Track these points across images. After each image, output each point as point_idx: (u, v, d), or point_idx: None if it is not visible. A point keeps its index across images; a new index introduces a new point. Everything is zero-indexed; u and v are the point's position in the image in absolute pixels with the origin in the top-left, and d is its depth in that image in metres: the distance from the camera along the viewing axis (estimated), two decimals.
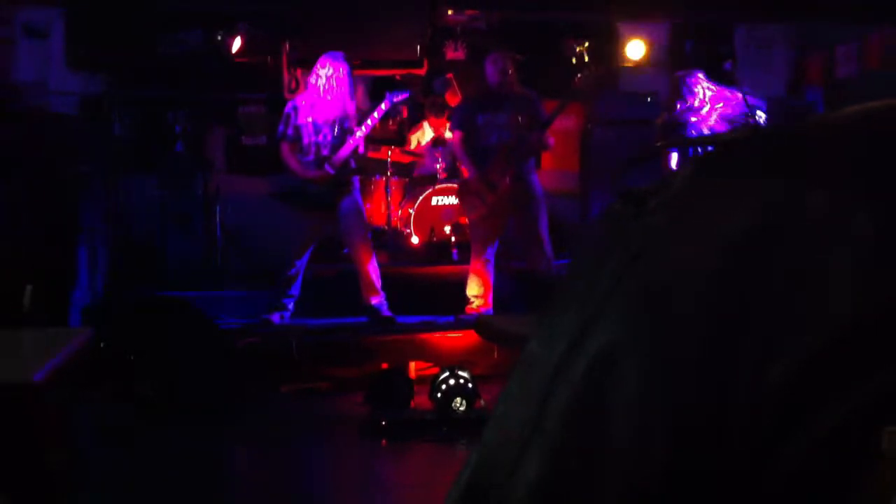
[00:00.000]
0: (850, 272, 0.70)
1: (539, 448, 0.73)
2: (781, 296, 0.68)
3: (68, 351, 2.46)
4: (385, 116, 7.39)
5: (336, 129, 7.08)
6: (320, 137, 7.09)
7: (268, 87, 9.24)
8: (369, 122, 7.05)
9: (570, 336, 0.76)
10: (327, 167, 7.03)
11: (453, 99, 9.50)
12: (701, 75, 7.36)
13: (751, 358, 0.70)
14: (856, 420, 0.66)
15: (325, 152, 7.07)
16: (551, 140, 7.37)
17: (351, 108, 7.15)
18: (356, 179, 7.31)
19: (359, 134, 7.03)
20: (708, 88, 7.30)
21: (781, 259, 0.67)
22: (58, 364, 2.28)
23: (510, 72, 7.31)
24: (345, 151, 7.03)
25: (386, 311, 7.21)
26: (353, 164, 7.20)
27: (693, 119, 7.27)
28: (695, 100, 7.25)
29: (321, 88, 7.06)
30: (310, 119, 7.09)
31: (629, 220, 0.79)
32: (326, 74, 7.05)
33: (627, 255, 0.75)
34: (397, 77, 9.43)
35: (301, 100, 7.22)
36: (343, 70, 7.06)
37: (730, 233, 0.79)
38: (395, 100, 7.19)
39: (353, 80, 7.30)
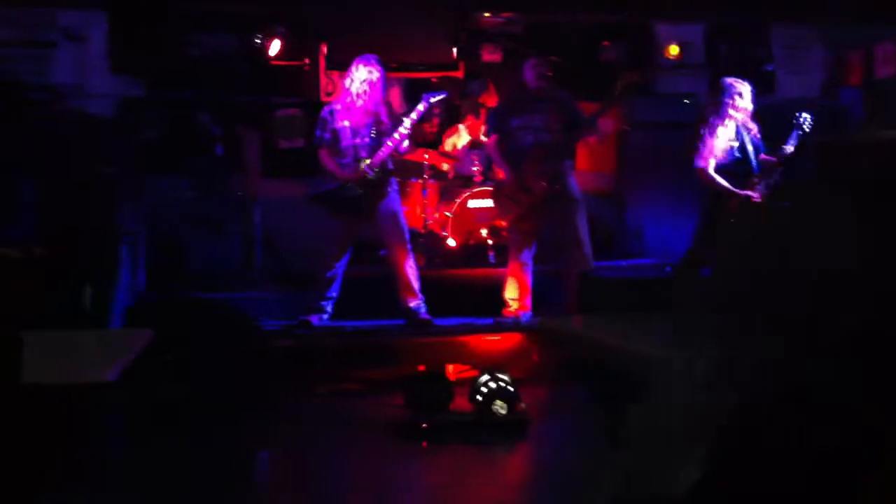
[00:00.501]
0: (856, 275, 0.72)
1: (704, 445, 0.75)
2: (795, 298, 0.70)
3: (135, 351, 2.49)
4: (422, 118, 7.36)
5: (373, 132, 7.08)
6: (358, 140, 7.10)
7: (303, 90, 9.28)
8: (408, 123, 7.03)
9: (719, 345, 0.77)
10: (366, 169, 7.03)
11: (490, 101, 9.51)
12: (746, 89, 7.25)
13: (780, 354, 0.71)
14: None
15: (363, 154, 7.07)
16: (595, 136, 7.35)
17: (386, 111, 7.15)
18: (395, 181, 7.31)
19: (397, 136, 7.01)
20: (741, 107, 7.22)
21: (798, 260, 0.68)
22: (127, 364, 2.31)
23: (548, 75, 7.31)
24: (383, 153, 7.03)
25: (424, 314, 7.21)
26: (390, 165, 7.20)
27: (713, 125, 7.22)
28: (727, 109, 7.19)
29: (355, 92, 7.06)
30: (346, 122, 7.10)
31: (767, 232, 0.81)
32: (360, 77, 7.05)
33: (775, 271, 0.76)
34: (433, 80, 9.45)
35: (337, 103, 7.22)
36: (376, 72, 7.06)
37: (746, 236, 0.82)
38: (431, 100, 7.17)
39: (388, 82, 7.31)
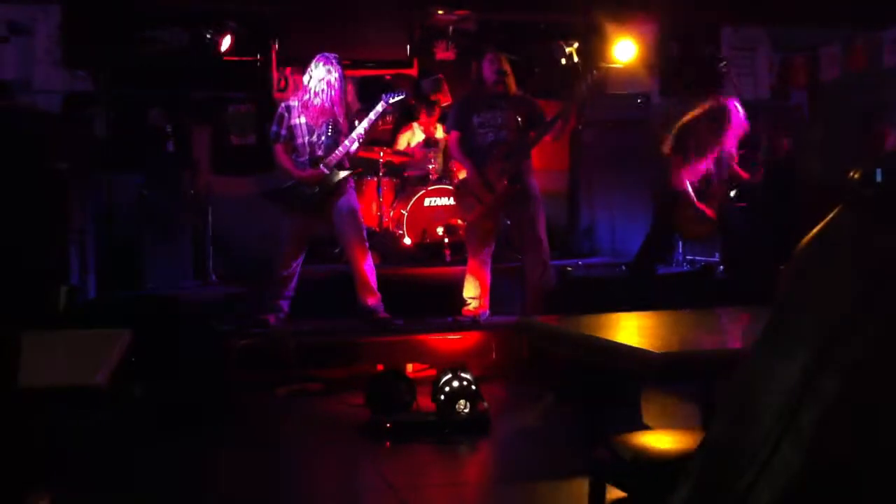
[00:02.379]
0: None
1: (796, 453, 0.74)
2: None
3: (118, 352, 2.44)
4: (379, 117, 7.31)
5: (329, 130, 7.04)
6: (314, 137, 7.06)
7: (256, 86, 9.20)
8: (366, 123, 7.00)
9: (812, 349, 0.77)
10: (322, 167, 6.99)
11: (443, 99, 9.49)
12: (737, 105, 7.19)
13: None
14: None
15: (319, 152, 7.03)
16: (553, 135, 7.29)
17: (343, 110, 7.11)
18: (351, 180, 7.27)
19: (355, 135, 6.99)
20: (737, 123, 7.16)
21: None
22: (112, 366, 2.26)
23: (506, 72, 7.29)
24: (340, 153, 7.00)
25: (382, 313, 7.18)
26: (347, 164, 7.16)
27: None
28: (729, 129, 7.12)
29: (314, 89, 7.01)
30: (303, 119, 7.05)
31: (867, 235, 0.80)
32: (319, 75, 7.00)
33: (874, 276, 0.76)
34: (387, 77, 9.41)
35: (293, 99, 7.17)
36: (336, 71, 7.02)
37: None
38: (390, 101, 7.14)
39: (346, 81, 7.27)
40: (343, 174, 7.08)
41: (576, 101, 7.37)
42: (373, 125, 7.10)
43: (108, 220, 7.83)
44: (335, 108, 7.01)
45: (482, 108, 7.26)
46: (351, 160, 7.23)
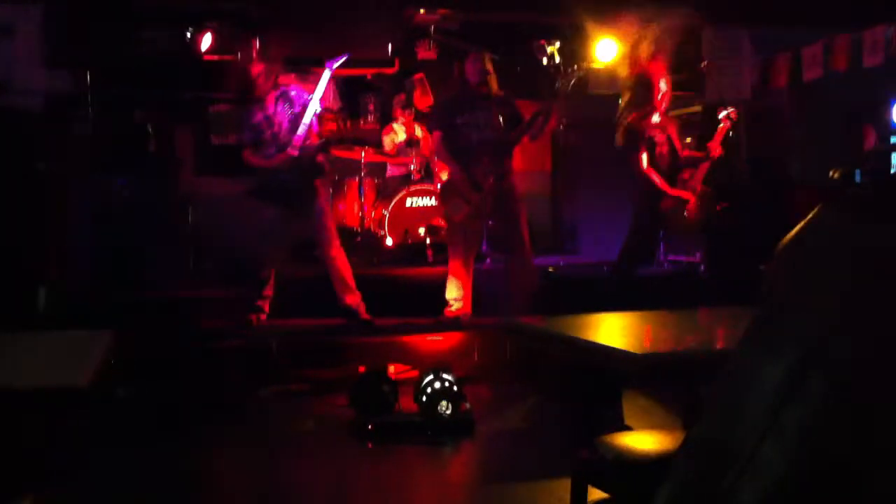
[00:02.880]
0: None
1: (777, 452, 0.74)
2: None
3: (101, 354, 2.41)
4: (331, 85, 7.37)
5: (288, 114, 7.08)
6: (275, 128, 7.10)
7: (238, 86, 9.15)
8: (319, 92, 7.05)
9: (802, 348, 0.76)
10: (290, 150, 7.00)
11: (421, 98, 9.47)
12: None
13: None
14: None
15: (282, 139, 7.06)
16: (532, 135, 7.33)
17: (294, 94, 7.14)
18: (326, 175, 7.29)
19: (310, 109, 7.02)
20: None
21: None
22: (96, 367, 2.24)
23: (489, 72, 7.28)
24: (303, 133, 7.01)
25: (364, 313, 7.16)
26: (315, 140, 7.15)
27: None
28: None
29: (263, 85, 7.15)
30: (261, 115, 7.11)
31: (855, 233, 0.79)
32: (263, 72, 7.18)
33: (867, 275, 0.75)
34: (368, 77, 9.39)
35: (258, 99, 7.24)
36: (271, 65, 7.19)
37: None
38: (334, 66, 7.17)
39: (283, 68, 7.38)
40: (314, 158, 7.10)
41: (557, 101, 7.36)
42: (325, 94, 7.15)
43: (95, 221, 7.80)
44: (286, 90, 7.07)
45: (466, 109, 7.25)
46: (328, 157, 7.27)
